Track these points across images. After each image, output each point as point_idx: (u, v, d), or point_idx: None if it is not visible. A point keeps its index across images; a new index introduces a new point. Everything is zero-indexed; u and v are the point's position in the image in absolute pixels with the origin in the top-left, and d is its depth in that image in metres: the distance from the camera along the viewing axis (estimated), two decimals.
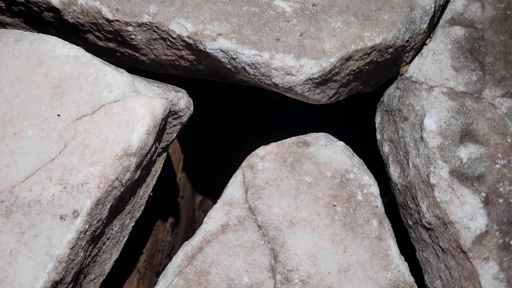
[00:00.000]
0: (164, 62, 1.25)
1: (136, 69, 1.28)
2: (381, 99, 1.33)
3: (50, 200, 0.98)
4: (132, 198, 1.14)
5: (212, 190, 1.97)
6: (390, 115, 1.27)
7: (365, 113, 1.51)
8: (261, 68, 1.13)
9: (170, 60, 1.24)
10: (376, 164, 1.35)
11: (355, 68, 1.16)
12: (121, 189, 1.03)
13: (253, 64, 1.13)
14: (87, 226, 0.97)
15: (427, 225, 1.16)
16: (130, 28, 1.19)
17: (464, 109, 1.15)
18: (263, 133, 1.40)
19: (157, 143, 1.12)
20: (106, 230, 1.07)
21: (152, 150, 1.07)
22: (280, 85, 1.15)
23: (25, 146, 1.02)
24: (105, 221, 1.03)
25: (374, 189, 1.19)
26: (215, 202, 1.17)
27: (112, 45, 1.24)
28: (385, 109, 1.30)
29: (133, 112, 1.04)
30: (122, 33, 1.20)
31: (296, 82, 1.13)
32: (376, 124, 1.34)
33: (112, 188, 1.01)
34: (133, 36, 1.20)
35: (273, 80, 1.14)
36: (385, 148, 1.30)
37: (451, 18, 1.27)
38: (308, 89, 1.16)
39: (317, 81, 1.14)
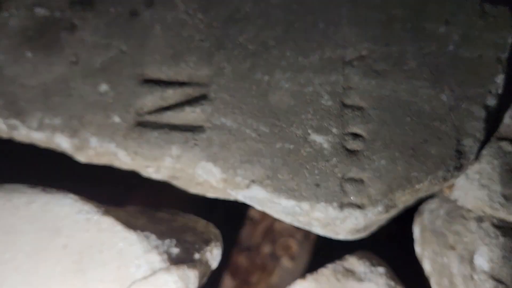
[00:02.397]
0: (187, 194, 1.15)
1: None
2: (420, 210, 1.25)
3: None
4: None
5: None
6: (433, 234, 1.19)
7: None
8: (299, 217, 1.03)
9: (194, 194, 1.14)
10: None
11: (400, 207, 1.07)
12: None
13: (291, 213, 1.03)
14: None
15: None
16: (150, 170, 1.08)
17: None
18: None
19: None
20: None
21: None
22: (320, 233, 1.06)
23: None
24: None
25: None
26: None
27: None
28: (425, 224, 1.21)
29: None
30: (140, 173, 1.09)
31: (338, 232, 1.04)
32: (415, 235, 1.26)
33: None
34: (154, 175, 1.09)
35: (312, 229, 1.05)
36: (426, 266, 1.22)
37: (498, 132, 1.16)
38: (351, 235, 1.07)
39: (361, 228, 1.05)
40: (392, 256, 1.29)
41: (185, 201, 1.53)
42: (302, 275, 1.17)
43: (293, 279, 1.22)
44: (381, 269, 1.17)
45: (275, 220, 1.88)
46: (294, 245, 1.69)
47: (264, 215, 1.84)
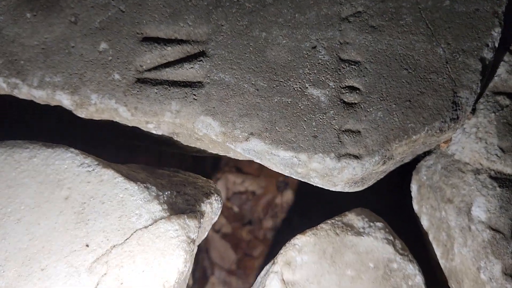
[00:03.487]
0: (188, 151, 1.16)
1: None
2: (417, 167, 1.26)
3: None
4: None
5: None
6: (430, 190, 1.20)
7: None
8: (298, 169, 1.04)
9: (194, 150, 1.15)
10: (408, 228, 1.30)
11: (397, 159, 1.08)
12: None
13: (290, 164, 1.04)
14: None
15: None
16: (150, 126, 1.09)
17: None
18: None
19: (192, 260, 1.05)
20: None
21: (189, 271, 1.00)
22: (319, 184, 1.07)
23: (55, 285, 0.94)
24: None
25: (420, 279, 1.14)
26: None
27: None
28: (423, 181, 1.22)
29: (168, 239, 0.96)
30: (141, 130, 1.10)
31: (336, 183, 1.05)
32: (413, 193, 1.27)
33: None
34: (154, 131, 1.10)
35: (311, 180, 1.06)
36: (424, 222, 1.23)
37: (494, 86, 1.17)
38: (348, 186, 1.08)
39: (358, 179, 1.06)
40: (390, 215, 1.31)
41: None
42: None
43: None
44: (379, 224, 1.19)
45: (276, 194, 1.90)
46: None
47: (266, 190, 1.86)
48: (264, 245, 1.83)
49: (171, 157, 1.63)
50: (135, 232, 0.96)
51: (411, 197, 1.28)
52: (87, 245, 0.96)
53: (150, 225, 0.96)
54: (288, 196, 1.86)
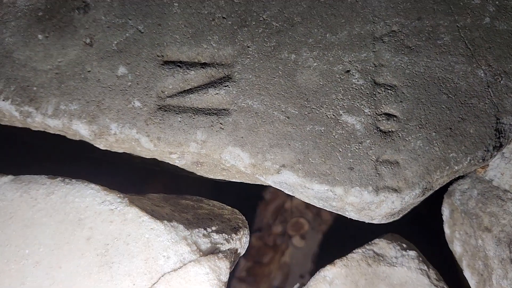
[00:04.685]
0: (211, 179, 1.10)
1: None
2: (449, 190, 1.20)
3: None
4: None
5: None
6: (465, 216, 1.14)
7: None
8: (333, 202, 0.99)
9: (218, 179, 1.09)
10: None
11: (436, 189, 1.02)
12: None
13: (324, 198, 0.98)
14: None
15: None
16: (174, 156, 1.02)
17: None
18: None
19: None
20: None
21: None
22: (354, 218, 1.01)
23: None
24: None
25: None
26: None
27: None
28: (456, 205, 1.17)
29: (198, 283, 0.90)
30: (163, 160, 1.03)
31: (374, 217, 0.99)
32: (444, 217, 1.22)
33: None
34: (177, 161, 1.04)
35: (346, 213, 1.00)
36: (457, 248, 1.18)
37: None
38: (385, 219, 1.02)
39: (396, 213, 1.00)
40: (417, 238, 1.26)
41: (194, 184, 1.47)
42: (316, 256, 1.12)
43: (304, 258, 1.17)
44: (412, 253, 1.13)
45: (285, 199, 1.84)
46: (305, 224, 1.65)
47: (275, 195, 1.79)
48: (274, 251, 1.79)
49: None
50: (163, 276, 0.90)
51: (442, 220, 1.23)
52: None
53: (179, 268, 0.90)
54: (298, 200, 1.81)
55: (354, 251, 1.14)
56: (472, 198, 1.14)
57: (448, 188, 1.22)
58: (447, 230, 1.22)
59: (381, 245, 1.15)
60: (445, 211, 1.22)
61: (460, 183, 1.18)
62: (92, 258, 0.91)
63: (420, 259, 1.13)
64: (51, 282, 0.90)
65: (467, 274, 1.16)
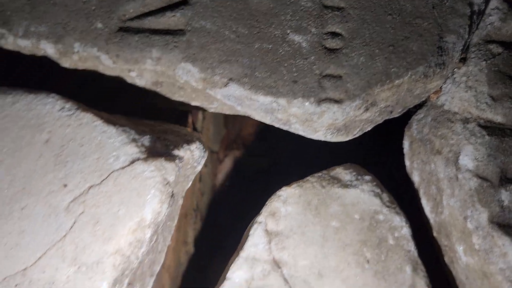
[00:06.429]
0: (173, 104, 1.16)
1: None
2: (409, 123, 1.23)
3: (65, 282, 0.93)
4: (150, 255, 1.09)
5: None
6: (421, 143, 1.17)
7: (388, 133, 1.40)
8: (278, 114, 1.03)
9: (178, 102, 1.15)
10: (401, 187, 1.27)
11: (381, 106, 1.05)
12: (138, 262, 0.97)
13: (269, 109, 1.03)
14: None
15: (463, 266, 1.09)
16: (133, 74, 1.09)
17: (504, 145, 1.05)
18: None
19: (172, 202, 1.05)
20: None
21: (167, 213, 1.01)
22: (300, 131, 1.05)
23: (34, 223, 0.96)
24: None
25: (406, 231, 1.12)
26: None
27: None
28: (414, 135, 1.19)
29: (143, 180, 0.96)
30: (124, 78, 1.11)
31: (317, 128, 1.04)
32: (405, 150, 1.24)
33: (128, 264, 0.95)
34: (137, 81, 1.11)
35: (292, 127, 1.05)
36: (415, 177, 1.20)
37: (487, 35, 1.14)
38: (330, 133, 1.06)
39: (340, 125, 1.04)
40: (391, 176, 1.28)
41: None
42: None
43: None
44: (367, 177, 1.16)
45: None
46: None
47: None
48: None
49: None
50: (111, 173, 0.97)
51: (404, 154, 1.25)
52: (65, 186, 0.97)
53: (126, 166, 0.97)
54: None
55: (311, 175, 1.18)
56: (426, 125, 1.16)
57: (408, 121, 1.25)
58: (407, 162, 1.24)
59: (337, 170, 1.18)
60: (405, 144, 1.24)
61: (417, 113, 1.21)
62: (49, 158, 0.99)
63: (375, 183, 1.16)
64: (12, 178, 0.98)
65: (423, 201, 1.18)
